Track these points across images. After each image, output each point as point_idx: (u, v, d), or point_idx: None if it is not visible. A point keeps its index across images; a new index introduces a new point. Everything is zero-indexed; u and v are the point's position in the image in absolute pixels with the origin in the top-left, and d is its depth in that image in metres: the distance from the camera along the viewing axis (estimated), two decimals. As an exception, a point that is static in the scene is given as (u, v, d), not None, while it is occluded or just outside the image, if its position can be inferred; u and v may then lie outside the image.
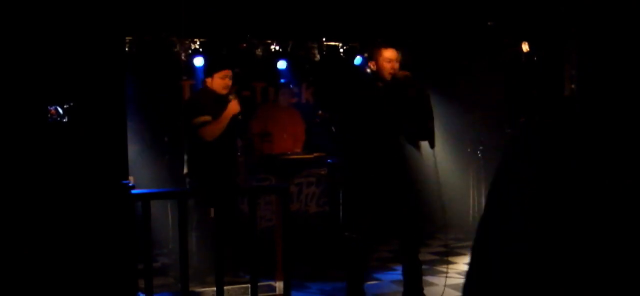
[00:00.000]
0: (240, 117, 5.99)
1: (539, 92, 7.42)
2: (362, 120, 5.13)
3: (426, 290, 5.81)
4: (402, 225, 5.16)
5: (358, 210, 5.23)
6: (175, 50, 7.57)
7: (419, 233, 5.19)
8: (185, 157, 5.98)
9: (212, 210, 5.73)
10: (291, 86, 8.14)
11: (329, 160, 7.46)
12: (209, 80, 5.99)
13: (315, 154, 7.49)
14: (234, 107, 5.88)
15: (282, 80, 8.04)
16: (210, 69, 6.11)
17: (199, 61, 7.68)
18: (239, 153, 6.52)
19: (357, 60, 8.35)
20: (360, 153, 5.17)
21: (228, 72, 5.99)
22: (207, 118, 5.80)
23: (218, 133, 5.82)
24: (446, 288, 5.90)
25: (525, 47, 7.24)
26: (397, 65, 5.07)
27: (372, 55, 5.18)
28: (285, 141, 7.58)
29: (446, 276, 5.63)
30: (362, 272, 5.29)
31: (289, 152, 7.49)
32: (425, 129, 5.16)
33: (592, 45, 1.25)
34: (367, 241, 5.24)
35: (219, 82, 5.92)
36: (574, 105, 1.28)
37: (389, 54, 5.06)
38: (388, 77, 5.05)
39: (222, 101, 5.88)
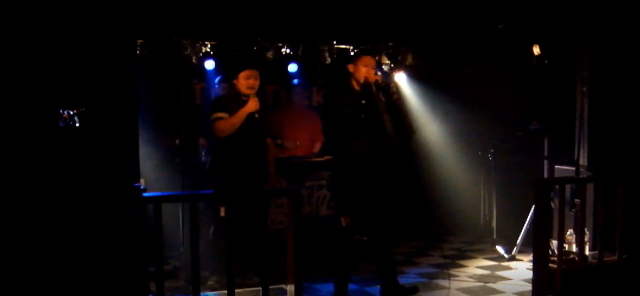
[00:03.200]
0: (257, 115, 5.95)
1: (546, 94, 7.40)
2: (354, 123, 5.43)
3: (436, 293, 5.81)
4: (380, 223, 5.53)
5: (361, 212, 5.41)
6: (186, 53, 7.58)
7: (391, 233, 5.70)
8: (211, 154, 6.07)
9: (222, 208, 5.77)
10: (305, 87, 8.16)
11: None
12: (235, 81, 6.01)
13: (326, 157, 7.49)
14: (251, 105, 5.88)
15: (294, 81, 8.06)
16: (235, 68, 6.12)
17: (209, 64, 7.70)
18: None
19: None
20: (358, 155, 5.34)
21: (252, 72, 6.00)
22: (223, 115, 5.83)
23: (230, 129, 5.82)
24: (455, 291, 5.90)
25: (536, 49, 7.20)
26: (372, 71, 5.53)
27: (354, 61, 5.64)
28: (302, 142, 7.59)
29: (452, 280, 5.62)
30: (346, 277, 5.64)
31: (305, 154, 7.51)
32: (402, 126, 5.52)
33: (604, 47, 1.27)
34: (349, 244, 5.57)
35: (243, 82, 5.94)
36: None
37: (367, 60, 5.56)
38: (361, 80, 5.51)
39: (243, 101, 5.90)
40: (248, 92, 5.92)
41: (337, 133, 5.53)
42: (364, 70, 5.51)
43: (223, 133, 5.84)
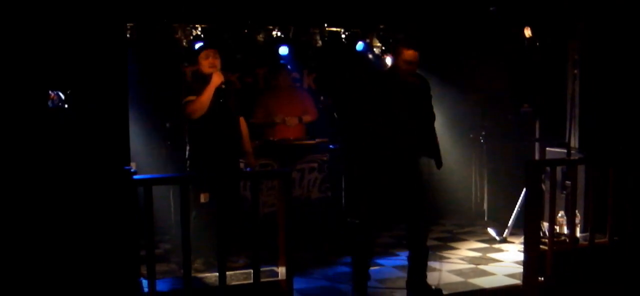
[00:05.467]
0: (223, 86, 5.92)
1: (537, 77, 7.41)
2: (366, 108, 5.15)
3: (428, 275, 5.81)
4: (409, 212, 5.19)
5: (359, 195, 5.27)
6: (177, 36, 7.56)
7: (427, 221, 5.32)
8: (187, 140, 6.04)
9: (202, 195, 5.78)
10: (288, 67, 8.15)
11: (331, 146, 7.46)
12: (198, 65, 6.06)
13: (317, 140, 7.49)
14: (215, 79, 5.87)
15: (282, 62, 8.08)
16: (195, 54, 6.17)
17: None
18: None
19: (359, 46, 8.34)
20: (362, 140, 5.20)
21: (210, 51, 6.05)
22: (192, 98, 5.86)
23: (201, 109, 5.84)
24: (446, 273, 5.92)
25: (527, 32, 7.20)
26: (415, 69, 5.11)
27: (393, 51, 5.24)
28: (293, 121, 7.60)
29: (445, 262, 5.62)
30: (367, 257, 5.31)
31: (297, 130, 7.52)
32: (432, 146, 5.24)
33: (595, 29, 1.26)
34: (369, 226, 5.26)
35: (204, 62, 6.01)
36: None
37: (409, 56, 5.07)
38: (403, 77, 5.09)
39: (208, 80, 5.91)
40: (210, 70, 5.94)
41: (350, 117, 5.36)
42: (405, 68, 5.07)
43: (195, 114, 5.87)
